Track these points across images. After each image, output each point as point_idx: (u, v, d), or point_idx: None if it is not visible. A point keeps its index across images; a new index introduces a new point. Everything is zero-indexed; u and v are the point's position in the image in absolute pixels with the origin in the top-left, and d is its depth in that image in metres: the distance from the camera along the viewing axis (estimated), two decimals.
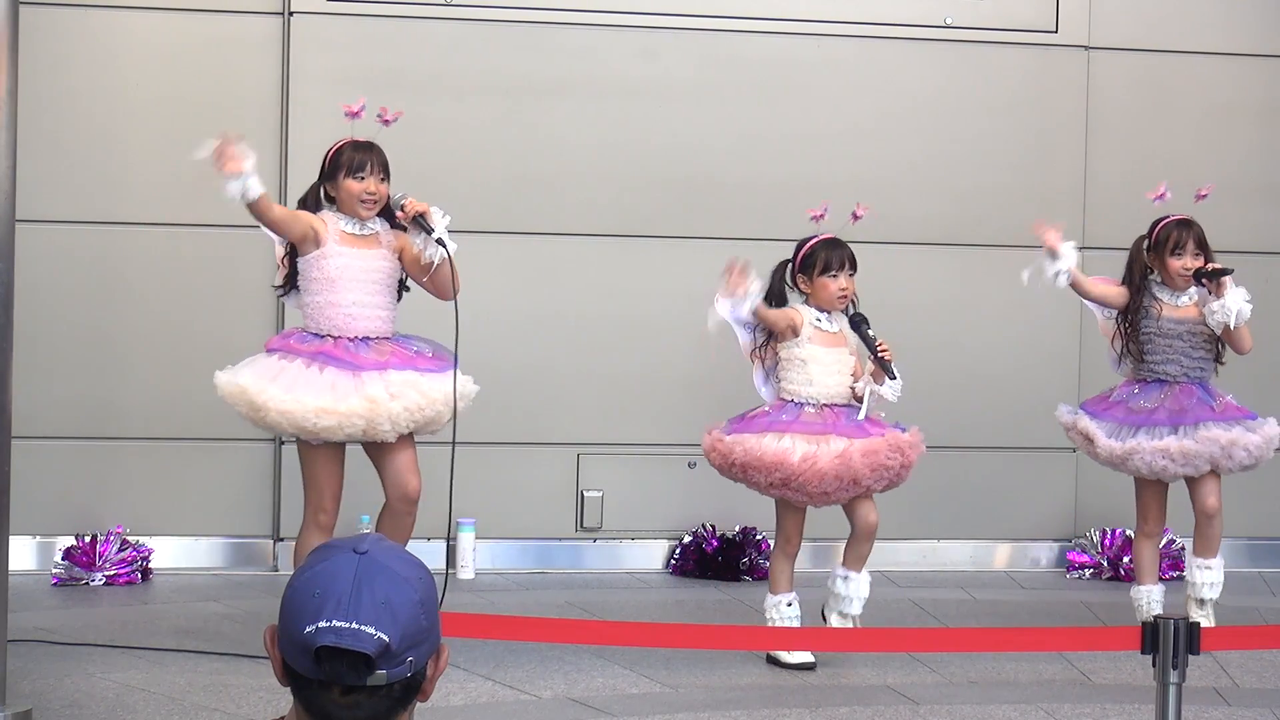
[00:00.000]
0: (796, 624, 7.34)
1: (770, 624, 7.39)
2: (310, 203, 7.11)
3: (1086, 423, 7.86)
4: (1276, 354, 9.39)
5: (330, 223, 7.02)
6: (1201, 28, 9.92)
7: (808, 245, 7.42)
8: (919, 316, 9.43)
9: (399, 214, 7.01)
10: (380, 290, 7.05)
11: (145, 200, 9.08)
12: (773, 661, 7.37)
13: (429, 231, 6.94)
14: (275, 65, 9.16)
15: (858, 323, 7.38)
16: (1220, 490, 7.79)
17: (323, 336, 7.01)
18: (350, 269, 6.98)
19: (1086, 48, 9.80)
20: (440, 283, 7.03)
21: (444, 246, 6.93)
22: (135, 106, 9.10)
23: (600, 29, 9.42)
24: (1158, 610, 7.71)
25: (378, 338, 7.04)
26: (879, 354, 7.28)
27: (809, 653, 7.35)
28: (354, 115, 7.13)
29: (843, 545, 7.50)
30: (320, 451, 7.00)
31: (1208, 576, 7.80)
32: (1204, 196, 7.88)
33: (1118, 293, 7.85)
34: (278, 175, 9.10)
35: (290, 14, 9.14)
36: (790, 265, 7.47)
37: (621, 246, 9.45)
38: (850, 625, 7.37)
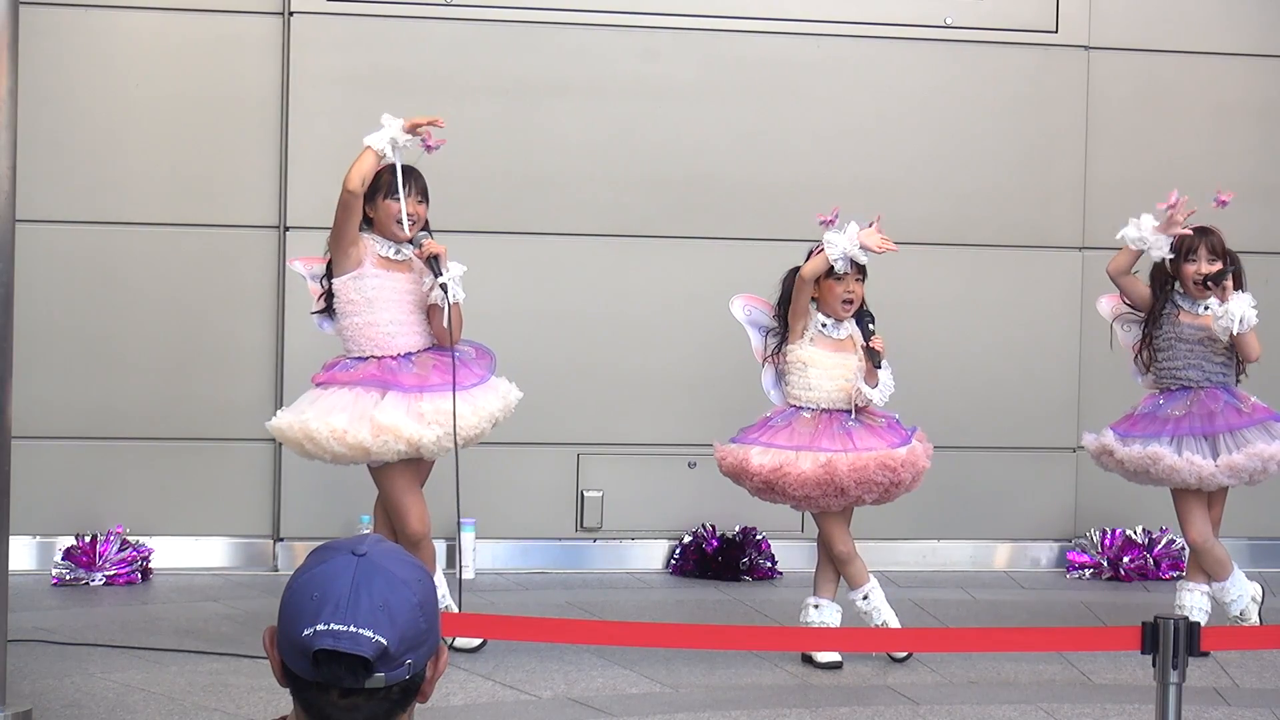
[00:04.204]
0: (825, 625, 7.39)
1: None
2: None
3: (1156, 448, 7.65)
4: (1278, 354, 9.37)
5: (368, 246, 7.17)
6: (1201, 28, 9.92)
7: (816, 250, 7.41)
8: (919, 316, 9.43)
9: (416, 251, 7.17)
10: (414, 310, 7.25)
11: (145, 200, 9.08)
12: (807, 660, 7.39)
13: (436, 274, 7.12)
14: (275, 65, 9.16)
15: (861, 315, 7.40)
16: (1220, 518, 7.79)
17: (365, 359, 7.18)
18: (386, 289, 7.18)
19: (1086, 48, 9.80)
20: (438, 327, 7.22)
21: (445, 292, 7.09)
22: (135, 106, 9.10)
23: (601, 29, 9.42)
24: (1246, 605, 7.75)
25: (418, 352, 7.22)
26: (869, 342, 7.32)
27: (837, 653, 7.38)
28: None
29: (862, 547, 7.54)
30: (395, 468, 7.15)
31: (1198, 601, 7.77)
32: (1224, 203, 7.82)
33: (1144, 292, 7.80)
34: (277, 176, 9.11)
35: (290, 14, 9.14)
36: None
37: (622, 246, 9.45)
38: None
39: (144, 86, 9.10)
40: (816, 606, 7.46)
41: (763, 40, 9.53)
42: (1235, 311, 7.52)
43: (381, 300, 7.16)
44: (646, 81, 9.46)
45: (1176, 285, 7.76)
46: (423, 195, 7.24)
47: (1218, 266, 7.64)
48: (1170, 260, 7.72)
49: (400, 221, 7.14)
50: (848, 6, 9.60)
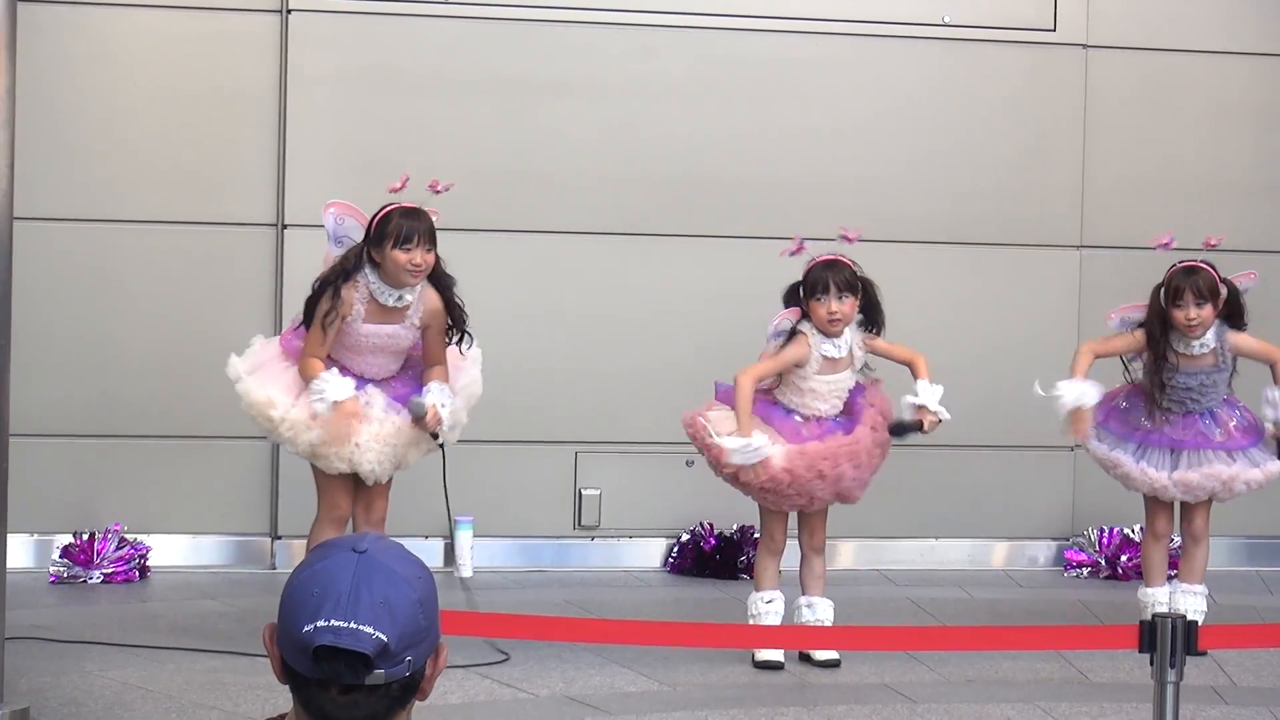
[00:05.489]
0: (777, 621, 7.36)
1: (750, 620, 7.41)
2: (351, 262, 7.07)
3: (1118, 454, 7.75)
4: None
5: (361, 292, 7.03)
6: (1199, 27, 9.92)
7: (809, 266, 7.38)
8: (917, 315, 9.40)
9: (414, 421, 7.12)
10: (396, 354, 7.18)
11: (144, 198, 9.08)
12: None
13: (434, 437, 7.15)
14: (273, 63, 9.15)
15: (901, 431, 7.37)
16: (1209, 513, 7.81)
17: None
18: (372, 341, 7.09)
19: (1084, 46, 9.80)
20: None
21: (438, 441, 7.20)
22: (134, 104, 9.09)
23: (598, 27, 9.41)
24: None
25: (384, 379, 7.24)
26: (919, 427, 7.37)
27: (779, 651, 7.36)
28: (396, 192, 7.09)
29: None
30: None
31: (1194, 603, 7.79)
32: (1213, 246, 7.79)
33: (1133, 341, 7.76)
34: (275, 174, 9.10)
35: (288, 12, 9.14)
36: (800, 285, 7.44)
37: (619, 244, 9.45)
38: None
39: (142, 84, 9.10)
40: (809, 606, 7.45)
41: (760, 38, 9.53)
42: None
43: (366, 348, 7.08)
44: (644, 80, 9.46)
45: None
46: (431, 241, 7.03)
47: (1207, 311, 7.56)
48: (1164, 299, 7.68)
49: (409, 271, 6.98)
50: (845, 5, 9.59)
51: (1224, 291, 7.61)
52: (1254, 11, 9.99)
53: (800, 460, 7.19)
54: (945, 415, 7.33)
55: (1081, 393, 7.63)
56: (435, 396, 7.08)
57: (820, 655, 7.33)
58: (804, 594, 7.49)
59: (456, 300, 7.19)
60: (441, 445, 7.18)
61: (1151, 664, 4.87)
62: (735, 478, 7.28)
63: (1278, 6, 10.03)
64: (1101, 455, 7.83)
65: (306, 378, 7.03)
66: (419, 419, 7.08)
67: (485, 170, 9.24)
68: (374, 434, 7.06)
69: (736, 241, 9.34)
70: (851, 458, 7.26)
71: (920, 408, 7.30)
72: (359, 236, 7.15)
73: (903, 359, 7.48)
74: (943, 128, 9.70)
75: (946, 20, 9.67)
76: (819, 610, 7.42)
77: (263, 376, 7.21)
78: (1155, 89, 9.90)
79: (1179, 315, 7.57)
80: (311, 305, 7.09)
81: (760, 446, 7.12)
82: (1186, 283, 7.56)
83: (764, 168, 9.50)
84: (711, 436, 7.23)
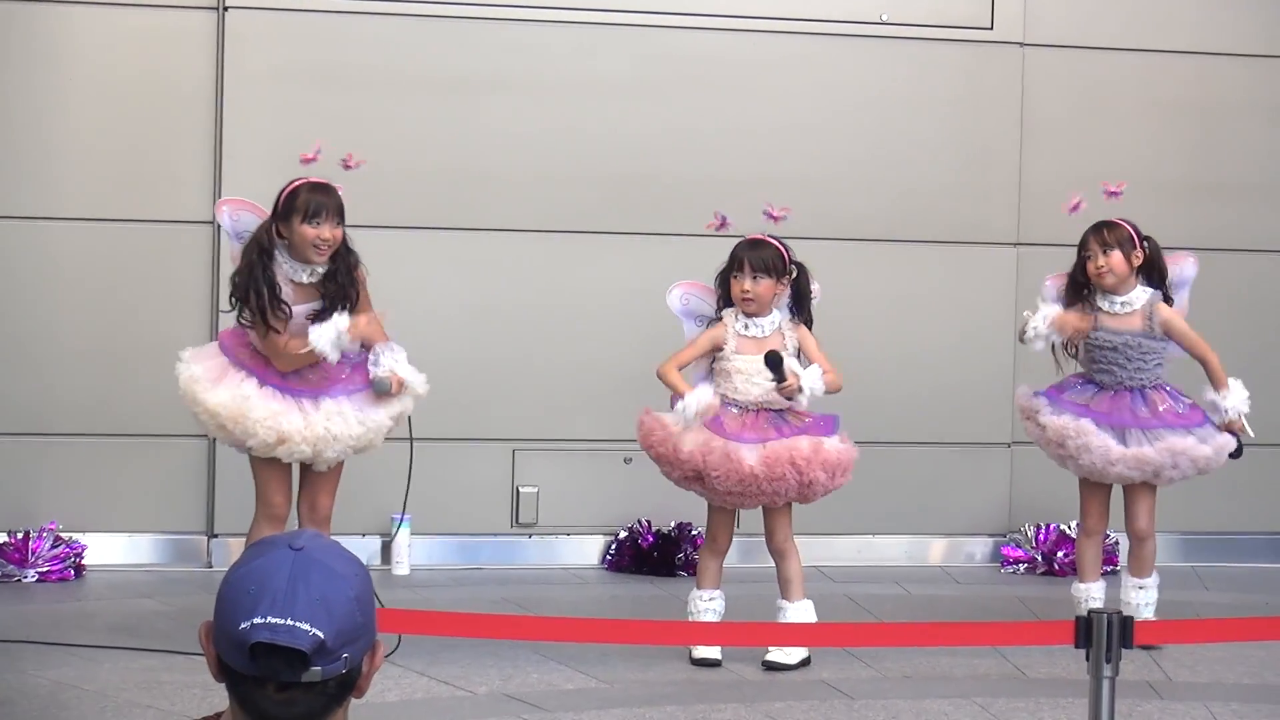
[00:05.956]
0: (715, 618, 7.35)
1: (689, 617, 7.41)
2: (265, 241, 6.97)
3: (1086, 422, 7.67)
4: (1224, 348, 9.41)
5: (282, 274, 6.96)
6: (1135, 25, 9.96)
7: (736, 244, 7.41)
8: (856, 312, 9.43)
9: (384, 393, 7.05)
10: None
11: (79, 195, 9.03)
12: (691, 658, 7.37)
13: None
14: (209, 60, 9.11)
15: (773, 364, 7.22)
16: (1153, 510, 7.82)
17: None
18: (301, 319, 6.97)
19: (1021, 44, 9.84)
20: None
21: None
22: (68, 100, 9.03)
23: (540, 25, 9.39)
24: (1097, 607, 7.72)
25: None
26: (779, 388, 7.24)
27: (716, 649, 7.35)
28: (309, 161, 7.06)
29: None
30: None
31: (1143, 597, 7.83)
32: (1115, 194, 7.87)
33: (1078, 317, 7.80)
34: (212, 171, 9.06)
35: (225, 8, 9.09)
36: None
37: (558, 242, 9.44)
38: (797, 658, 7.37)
39: (77, 80, 9.04)
40: (780, 609, 7.38)
41: (700, 36, 9.53)
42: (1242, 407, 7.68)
43: (299, 329, 6.96)
44: (584, 77, 9.45)
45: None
46: (339, 217, 6.96)
47: (1115, 257, 7.63)
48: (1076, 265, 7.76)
49: (316, 247, 6.90)
50: (784, 3, 9.61)
51: (1143, 248, 7.69)
52: (1190, 10, 10.04)
53: (771, 459, 7.16)
54: (804, 395, 7.25)
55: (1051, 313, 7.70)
56: (387, 363, 7.04)
57: (771, 655, 7.29)
58: (781, 598, 7.45)
59: (343, 280, 7.02)
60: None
61: (1087, 659, 4.89)
62: (700, 480, 7.23)
63: (1211, 4, 10.08)
64: (1060, 424, 7.69)
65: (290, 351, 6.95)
66: (387, 394, 7.03)
67: (425, 168, 9.23)
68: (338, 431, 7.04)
69: (676, 239, 9.33)
70: (827, 466, 7.25)
71: (794, 374, 7.20)
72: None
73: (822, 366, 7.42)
74: (881, 126, 9.72)
75: (884, 18, 9.69)
76: (790, 616, 7.35)
77: (228, 393, 7.08)
78: (1092, 87, 9.95)
79: (1090, 266, 7.67)
80: (245, 301, 7.02)
81: (701, 397, 7.12)
82: (1093, 235, 7.69)
83: (704, 166, 9.50)
84: (666, 425, 7.24)
